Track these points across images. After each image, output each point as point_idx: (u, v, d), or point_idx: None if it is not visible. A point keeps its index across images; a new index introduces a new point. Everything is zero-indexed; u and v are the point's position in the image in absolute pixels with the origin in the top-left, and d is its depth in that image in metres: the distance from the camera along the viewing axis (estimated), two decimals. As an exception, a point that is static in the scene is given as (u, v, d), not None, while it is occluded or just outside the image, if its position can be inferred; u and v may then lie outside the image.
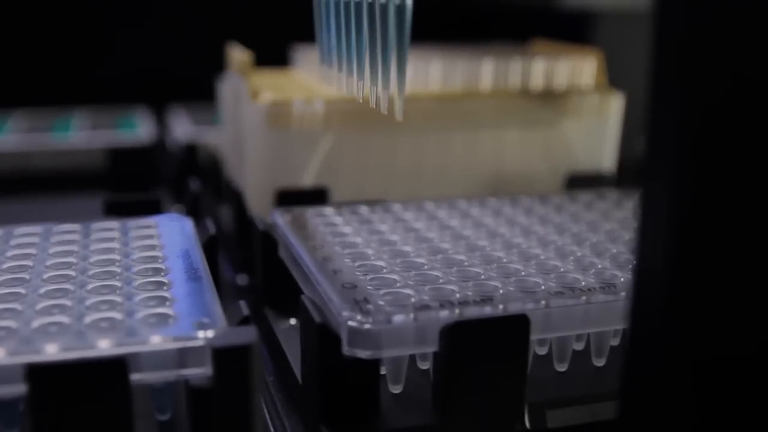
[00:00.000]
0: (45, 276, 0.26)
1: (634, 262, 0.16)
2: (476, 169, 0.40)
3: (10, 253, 0.28)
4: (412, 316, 0.23)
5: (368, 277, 0.26)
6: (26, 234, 0.30)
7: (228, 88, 0.44)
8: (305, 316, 0.24)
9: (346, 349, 0.23)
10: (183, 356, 0.21)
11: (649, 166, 0.15)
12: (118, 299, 0.24)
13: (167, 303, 0.23)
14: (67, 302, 0.23)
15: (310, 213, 0.33)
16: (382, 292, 0.25)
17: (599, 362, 0.27)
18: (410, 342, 0.23)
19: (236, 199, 0.39)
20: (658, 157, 0.15)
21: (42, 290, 0.24)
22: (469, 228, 0.31)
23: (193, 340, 0.21)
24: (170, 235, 0.29)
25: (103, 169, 0.51)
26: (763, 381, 0.15)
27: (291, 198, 0.36)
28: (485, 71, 0.40)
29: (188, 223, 0.31)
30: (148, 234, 0.30)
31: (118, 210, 0.34)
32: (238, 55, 0.41)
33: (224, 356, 0.21)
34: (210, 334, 0.21)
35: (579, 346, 0.27)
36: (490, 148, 0.40)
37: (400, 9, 0.25)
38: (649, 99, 0.15)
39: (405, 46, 0.25)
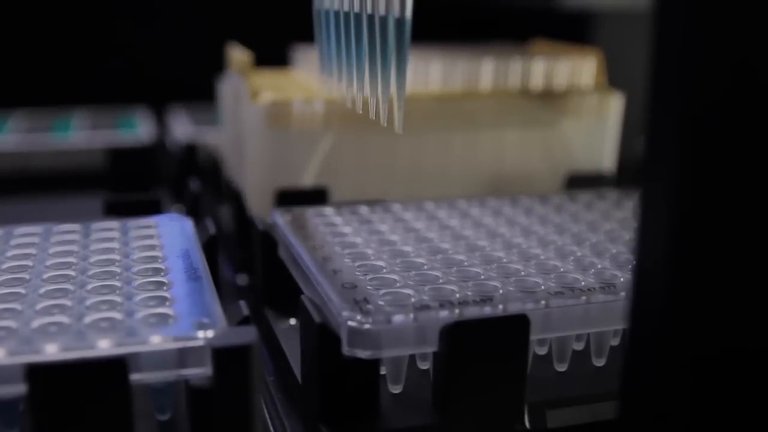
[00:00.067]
0: (45, 276, 0.26)
1: (634, 262, 0.16)
2: (476, 169, 0.40)
3: (10, 253, 0.28)
4: (412, 316, 0.23)
5: (368, 277, 0.26)
6: (26, 234, 0.30)
7: (228, 88, 0.44)
8: (305, 316, 0.24)
9: (346, 349, 0.23)
10: (183, 356, 0.21)
11: (648, 166, 0.15)
12: (118, 299, 0.24)
13: (167, 303, 0.23)
14: (67, 302, 0.23)
15: (310, 213, 0.33)
16: (382, 292, 0.25)
17: (599, 362, 0.27)
18: (410, 342, 0.23)
19: (236, 199, 0.39)
20: (657, 157, 0.15)
21: (42, 290, 0.24)
22: (469, 228, 0.31)
23: (193, 340, 0.21)
24: (170, 235, 0.29)
25: (103, 169, 0.51)
26: (763, 380, 0.15)
27: (291, 198, 0.36)
28: (485, 71, 0.40)
29: (188, 223, 0.31)
30: (148, 234, 0.30)
31: (118, 210, 0.34)
32: (238, 55, 0.41)
33: (224, 356, 0.21)
34: (210, 334, 0.21)
35: (579, 346, 0.27)
36: (490, 148, 0.40)
37: (400, 22, 0.25)
38: (649, 99, 0.15)
39: (404, 59, 0.25)
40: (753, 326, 0.15)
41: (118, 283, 0.25)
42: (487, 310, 0.24)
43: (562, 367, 0.27)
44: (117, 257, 0.27)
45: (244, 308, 0.24)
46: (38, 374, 0.20)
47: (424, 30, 0.31)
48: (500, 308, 0.24)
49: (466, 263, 0.27)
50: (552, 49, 0.44)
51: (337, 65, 0.30)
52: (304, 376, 0.26)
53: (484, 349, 0.23)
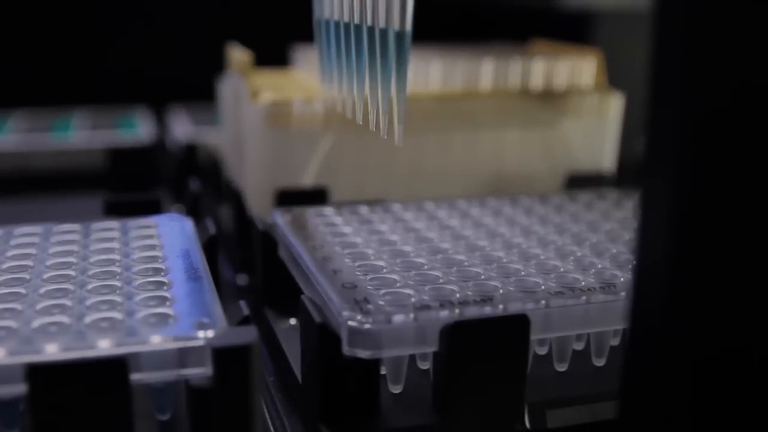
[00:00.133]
0: (45, 276, 0.26)
1: (634, 262, 0.16)
2: (476, 169, 0.40)
3: (10, 253, 0.28)
4: (412, 316, 0.23)
5: (368, 277, 0.26)
6: (26, 234, 0.30)
7: (228, 88, 0.44)
8: (305, 316, 0.24)
9: (346, 349, 0.23)
10: (183, 356, 0.21)
11: (648, 166, 0.15)
12: (118, 299, 0.24)
13: (167, 303, 0.23)
14: (67, 302, 0.23)
15: (310, 213, 0.33)
16: (382, 292, 0.25)
17: (599, 362, 0.27)
18: (410, 342, 0.23)
19: (236, 199, 0.39)
20: (657, 157, 0.15)
21: (42, 290, 0.24)
22: (469, 228, 0.31)
23: (193, 340, 0.21)
24: (170, 235, 0.30)
25: (103, 169, 0.51)
26: (764, 380, 0.15)
27: (291, 198, 0.36)
28: (485, 71, 0.40)
29: (188, 223, 0.31)
30: (148, 234, 0.30)
31: (118, 210, 0.34)
32: (238, 55, 0.41)
33: (224, 356, 0.21)
34: (210, 334, 0.21)
35: (579, 346, 0.27)
36: (490, 148, 0.40)
37: (400, 35, 0.25)
38: (649, 99, 0.15)
39: (404, 72, 0.25)
40: (753, 326, 0.15)
41: (118, 283, 0.25)
42: (487, 310, 0.24)
43: (562, 367, 0.27)
44: (117, 257, 0.27)
45: (244, 308, 0.24)
46: (38, 374, 0.20)
47: (424, 30, 0.31)
48: (500, 308, 0.24)
49: (466, 263, 0.27)
50: (552, 49, 0.44)
51: (338, 75, 0.30)
52: (304, 376, 0.26)
53: (484, 349, 0.23)
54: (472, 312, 0.24)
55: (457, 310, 0.24)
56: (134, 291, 0.24)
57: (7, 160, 0.50)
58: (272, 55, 0.46)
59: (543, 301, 0.24)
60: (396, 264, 0.27)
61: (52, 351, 0.21)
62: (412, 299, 0.24)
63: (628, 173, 0.43)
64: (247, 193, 0.38)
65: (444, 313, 0.23)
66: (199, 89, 0.56)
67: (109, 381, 0.20)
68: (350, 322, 0.23)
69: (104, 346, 0.21)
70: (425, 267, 0.27)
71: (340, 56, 0.29)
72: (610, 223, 0.32)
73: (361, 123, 0.28)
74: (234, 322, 0.23)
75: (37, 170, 0.51)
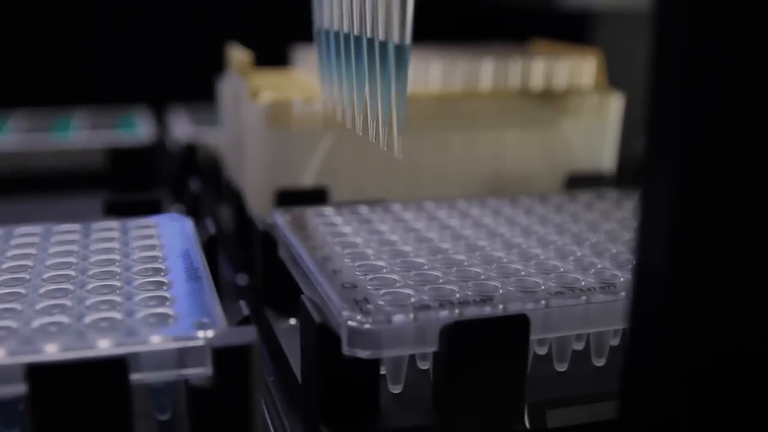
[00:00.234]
0: (45, 276, 0.26)
1: (634, 262, 0.16)
2: (476, 169, 0.40)
3: (10, 253, 0.28)
4: (412, 316, 0.23)
5: (368, 277, 0.26)
6: (26, 234, 0.30)
7: (228, 88, 0.44)
8: (305, 316, 0.24)
9: (346, 349, 0.23)
10: (183, 356, 0.21)
11: (648, 166, 0.15)
12: (118, 299, 0.24)
13: (167, 303, 0.23)
14: (67, 302, 0.23)
15: (310, 213, 0.33)
16: (382, 292, 0.25)
17: (599, 362, 0.27)
18: (410, 342, 0.23)
19: (236, 199, 0.39)
20: (657, 157, 0.15)
21: (42, 290, 0.24)
22: (468, 228, 0.31)
23: (193, 340, 0.21)
24: (170, 235, 0.29)
25: (103, 169, 0.51)
26: (763, 381, 0.15)
27: (291, 198, 0.36)
28: (485, 71, 0.40)
29: (188, 223, 0.31)
30: (148, 234, 0.30)
31: (118, 210, 0.34)
32: (238, 55, 0.41)
33: (224, 356, 0.21)
34: (210, 334, 0.21)
35: (579, 346, 0.27)
36: (490, 148, 0.40)
37: (400, 48, 0.24)
38: (649, 99, 0.15)
39: (404, 85, 0.25)
40: (753, 326, 0.15)
41: (118, 283, 0.25)
42: (487, 310, 0.24)
43: (562, 367, 0.27)
44: (117, 257, 0.27)
45: (244, 308, 0.24)
46: (38, 374, 0.20)
47: (424, 30, 0.31)
48: (500, 308, 0.24)
49: (466, 263, 0.27)
50: (552, 49, 0.44)
51: (337, 85, 0.29)
52: (304, 376, 0.26)
53: (484, 349, 0.23)
54: (472, 312, 0.24)
55: (457, 310, 0.24)
56: (134, 291, 0.24)
57: (7, 160, 0.50)
58: (272, 55, 0.46)
59: (543, 301, 0.24)
60: (396, 264, 0.27)
61: (52, 351, 0.21)
62: (412, 299, 0.24)
63: (628, 173, 0.43)
64: (247, 193, 0.38)
65: (444, 313, 0.23)
66: (199, 89, 0.56)
67: (109, 381, 0.20)
68: (350, 322, 0.23)
69: (104, 346, 0.21)
70: (425, 267, 0.27)
71: (339, 67, 0.29)
72: (610, 223, 0.32)
73: (360, 134, 0.28)
74: (234, 322, 0.23)
75: (37, 170, 0.51)
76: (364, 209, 0.33)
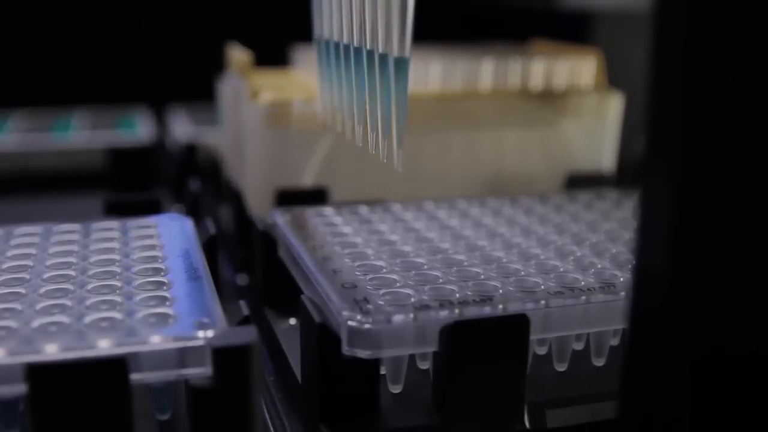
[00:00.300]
0: (45, 276, 0.26)
1: (634, 262, 0.16)
2: (476, 169, 0.40)
3: (10, 253, 0.28)
4: (411, 315, 0.23)
5: (368, 277, 0.26)
6: (26, 234, 0.30)
7: (228, 88, 0.44)
8: (305, 316, 0.24)
9: (346, 349, 0.23)
10: (183, 356, 0.21)
11: (648, 166, 0.15)
12: (118, 299, 0.24)
13: (167, 303, 0.23)
14: (67, 302, 0.23)
15: (310, 213, 0.33)
16: (381, 291, 0.25)
17: (599, 362, 0.27)
18: (410, 342, 0.23)
19: (236, 199, 0.39)
20: (657, 157, 0.15)
21: (42, 290, 0.24)
22: (468, 228, 0.31)
23: (193, 340, 0.21)
24: (170, 235, 0.30)
25: (103, 169, 0.51)
26: (763, 381, 0.15)
27: (291, 198, 0.36)
28: (485, 71, 0.40)
29: (188, 223, 0.31)
30: (148, 234, 0.30)
31: (118, 210, 0.34)
32: (238, 55, 0.41)
33: (224, 356, 0.21)
34: (210, 333, 0.21)
35: (579, 346, 0.27)
36: (490, 148, 0.40)
37: (399, 61, 0.24)
38: (649, 99, 0.15)
39: (404, 97, 0.25)
40: (752, 326, 0.15)
41: (118, 283, 0.25)
42: (487, 310, 0.24)
43: (562, 367, 0.27)
44: (117, 257, 0.27)
45: (244, 308, 0.24)
46: (38, 374, 0.20)
47: (424, 30, 0.31)
48: (500, 308, 0.24)
49: (465, 263, 0.27)
50: (552, 49, 0.44)
51: (337, 96, 0.29)
52: (304, 376, 0.26)
53: (484, 349, 0.23)
54: (472, 312, 0.24)
55: (456, 310, 0.24)
56: (134, 291, 0.24)
57: (7, 160, 0.50)
58: (272, 55, 0.46)
59: (543, 301, 0.24)
60: (396, 264, 0.27)
61: (52, 351, 0.21)
62: (412, 299, 0.24)
63: (628, 173, 0.43)
64: (247, 193, 0.38)
65: (444, 313, 0.23)
66: (199, 89, 0.56)
67: (109, 381, 0.20)
68: (350, 322, 0.23)
69: (104, 346, 0.21)
70: (425, 267, 0.27)
71: (339, 77, 0.29)
72: (610, 223, 0.32)
73: (360, 145, 0.28)
74: (234, 322, 0.23)
75: (37, 170, 0.51)
76: (364, 209, 0.33)
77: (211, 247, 0.30)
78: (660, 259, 0.15)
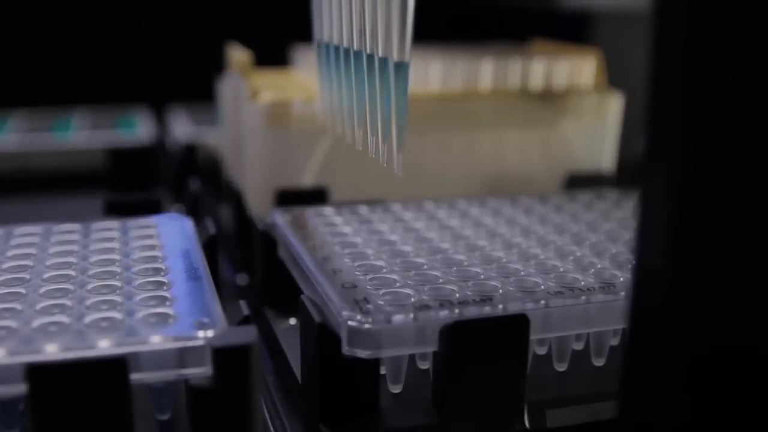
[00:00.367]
0: (45, 276, 0.26)
1: (634, 262, 0.16)
2: (476, 169, 0.40)
3: (10, 253, 0.28)
4: (411, 315, 0.23)
5: (368, 277, 0.26)
6: (26, 234, 0.30)
7: (228, 88, 0.44)
8: (305, 316, 0.24)
9: (346, 349, 0.23)
10: (183, 356, 0.21)
11: (648, 166, 0.15)
12: (118, 299, 0.24)
13: (167, 303, 0.23)
14: (67, 302, 0.23)
15: (310, 213, 0.33)
16: (381, 291, 0.25)
17: (599, 362, 0.27)
18: (410, 342, 0.23)
19: (236, 199, 0.39)
20: (657, 157, 0.15)
21: (42, 290, 0.24)
22: (468, 228, 0.31)
23: (193, 340, 0.21)
24: (170, 235, 0.30)
25: (103, 169, 0.51)
26: (763, 380, 0.15)
27: (291, 198, 0.36)
28: (485, 71, 0.40)
29: (188, 223, 0.31)
30: (148, 234, 0.30)
31: (118, 210, 0.34)
32: (238, 55, 0.41)
33: (224, 356, 0.21)
34: (210, 333, 0.21)
35: (579, 346, 0.27)
36: (490, 148, 0.40)
37: (399, 66, 0.24)
38: (649, 99, 0.15)
39: (404, 102, 0.25)
40: (752, 326, 0.15)
41: (118, 283, 0.25)
42: (487, 310, 0.24)
43: (561, 367, 0.27)
44: (117, 257, 0.27)
45: (244, 308, 0.24)
46: (38, 374, 0.20)
47: (424, 30, 0.31)
48: (500, 308, 0.24)
49: (465, 263, 0.27)
50: (552, 49, 0.44)
51: (337, 99, 0.29)
52: (304, 376, 0.26)
53: (484, 348, 0.23)
54: (472, 312, 0.24)
55: (456, 310, 0.24)
56: (134, 291, 0.24)
57: (7, 160, 0.50)
58: (272, 55, 0.46)
59: (542, 301, 0.24)
60: (396, 264, 0.27)
61: (52, 351, 0.21)
62: (412, 299, 0.24)
63: (628, 173, 0.43)
64: (247, 193, 0.38)
65: (444, 313, 0.23)
66: (199, 89, 0.56)
67: (109, 381, 0.20)
68: (350, 322, 0.23)
69: (104, 346, 0.21)
70: (425, 267, 0.27)
71: (339, 80, 0.29)
72: (610, 223, 0.32)
73: (360, 149, 0.28)
74: (234, 322, 0.23)
75: (37, 170, 0.51)
76: (364, 209, 0.33)
77: (211, 247, 0.30)
78: (660, 259, 0.15)
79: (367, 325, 0.23)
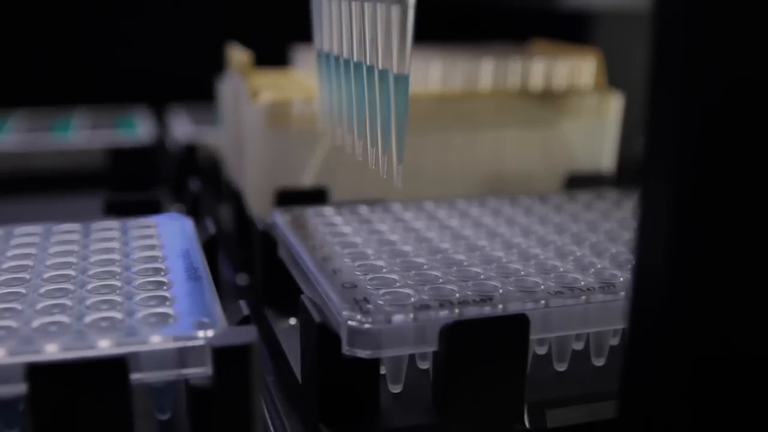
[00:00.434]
0: (45, 276, 0.26)
1: (634, 261, 0.16)
2: (476, 169, 0.40)
3: (10, 253, 0.28)
4: (411, 315, 0.23)
5: (368, 277, 0.26)
6: (26, 234, 0.30)
7: (228, 88, 0.44)
8: (305, 316, 0.24)
9: (346, 349, 0.23)
10: (183, 356, 0.21)
11: (648, 166, 0.15)
12: (118, 299, 0.24)
13: (167, 303, 0.23)
14: (68, 302, 0.23)
15: (310, 213, 0.33)
16: (381, 291, 0.25)
17: (599, 362, 0.27)
18: (410, 342, 0.23)
19: (236, 199, 0.39)
20: (657, 157, 0.15)
21: (42, 290, 0.24)
22: (468, 228, 0.31)
23: (193, 340, 0.21)
24: (170, 235, 0.30)
25: (103, 169, 0.51)
26: (763, 381, 0.15)
27: (291, 198, 0.36)
28: (485, 71, 0.40)
29: (188, 223, 0.31)
30: (148, 234, 0.30)
31: (118, 210, 0.34)
32: (238, 55, 0.41)
33: (224, 356, 0.21)
34: (210, 333, 0.21)
35: (579, 346, 0.27)
36: (490, 148, 0.40)
37: (399, 78, 0.24)
38: (649, 99, 0.15)
39: (404, 114, 0.25)
40: (753, 326, 0.15)
41: (118, 283, 0.25)
42: (486, 310, 0.24)
43: (561, 367, 0.27)
44: (117, 257, 0.27)
45: (244, 308, 0.24)
46: (38, 374, 0.20)
47: (424, 30, 0.31)
48: (500, 308, 0.24)
49: (465, 263, 0.27)
50: (551, 49, 0.44)
51: (337, 108, 0.29)
52: (304, 376, 0.26)
53: (484, 348, 0.23)
54: (472, 312, 0.24)
55: (456, 310, 0.24)
56: (134, 291, 0.24)
57: (7, 160, 0.50)
58: (272, 55, 0.46)
59: (542, 301, 0.24)
60: (396, 264, 0.27)
61: (52, 351, 0.21)
62: (412, 299, 0.24)
63: (628, 173, 0.43)
64: (247, 193, 0.38)
65: (443, 313, 0.23)
66: (199, 89, 0.56)
67: (109, 381, 0.20)
68: (350, 322, 0.23)
69: (104, 346, 0.21)
70: (425, 267, 0.27)
71: (339, 90, 0.29)
72: (610, 223, 0.32)
73: (360, 159, 0.28)
74: (234, 322, 0.23)
75: (37, 170, 0.51)
76: (364, 209, 0.33)
77: (211, 247, 0.30)
78: (660, 259, 0.15)
79: (367, 325, 0.23)
